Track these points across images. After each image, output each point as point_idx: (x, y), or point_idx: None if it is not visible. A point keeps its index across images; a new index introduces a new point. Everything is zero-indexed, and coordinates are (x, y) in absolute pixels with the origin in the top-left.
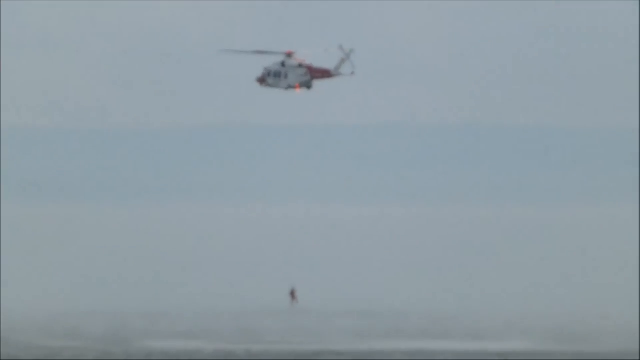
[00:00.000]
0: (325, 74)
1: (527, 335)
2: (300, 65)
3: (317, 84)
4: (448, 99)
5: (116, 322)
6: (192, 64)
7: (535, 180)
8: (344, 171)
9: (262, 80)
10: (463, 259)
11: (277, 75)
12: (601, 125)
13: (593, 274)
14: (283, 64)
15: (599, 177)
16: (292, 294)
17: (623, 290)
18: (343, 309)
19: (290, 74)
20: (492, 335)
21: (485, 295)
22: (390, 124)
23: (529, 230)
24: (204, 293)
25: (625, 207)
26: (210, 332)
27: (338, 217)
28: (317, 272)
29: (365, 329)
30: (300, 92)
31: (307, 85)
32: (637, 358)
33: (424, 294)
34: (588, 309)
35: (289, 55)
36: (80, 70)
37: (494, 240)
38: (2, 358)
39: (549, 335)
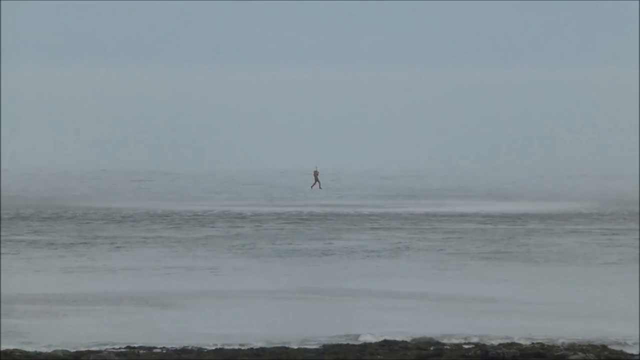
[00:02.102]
0: None
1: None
2: None
3: None
4: None
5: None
6: None
7: (544, 40)
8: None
9: None
10: (474, 120)
11: None
12: None
13: (596, 135)
14: None
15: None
16: (315, 175)
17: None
18: (360, 172)
19: None
20: (513, 197)
21: (501, 156)
22: None
23: (548, 90)
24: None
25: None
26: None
27: (351, 78)
28: (334, 134)
29: (383, 191)
30: None
31: None
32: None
33: (446, 156)
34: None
35: None
36: None
37: (506, 101)
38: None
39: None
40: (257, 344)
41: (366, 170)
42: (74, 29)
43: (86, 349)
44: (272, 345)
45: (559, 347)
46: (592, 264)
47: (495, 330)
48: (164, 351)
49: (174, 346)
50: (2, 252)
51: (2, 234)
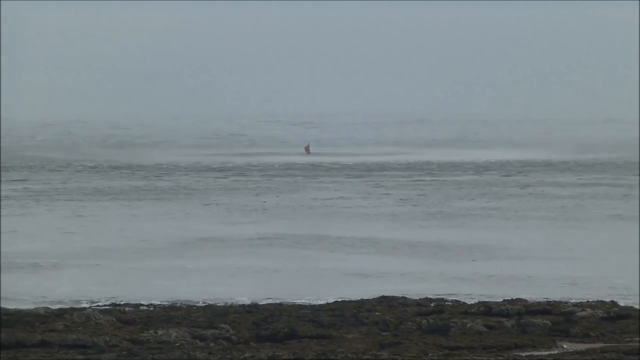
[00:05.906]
0: None
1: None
2: None
3: None
4: None
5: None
6: None
7: None
8: None
9: None
10: (471, 61)
11: None
12: None
13: (595, 76)
14: None
15: None
16: (307, 149)
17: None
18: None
19: None
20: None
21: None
22: None
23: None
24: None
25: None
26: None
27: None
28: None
29: (374, 139)
30: None
31: None
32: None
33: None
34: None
35: None
36: None
37: (504, 43)
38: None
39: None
40: (247, 301)
41: (354, 114)
42: None
43: (69, 306)
44: (265, 302)
45: (566, 303)
46: (589, 217)
47: (494, 287)
48: (152, 308)
49: (161, 303)
50: None
51: None
